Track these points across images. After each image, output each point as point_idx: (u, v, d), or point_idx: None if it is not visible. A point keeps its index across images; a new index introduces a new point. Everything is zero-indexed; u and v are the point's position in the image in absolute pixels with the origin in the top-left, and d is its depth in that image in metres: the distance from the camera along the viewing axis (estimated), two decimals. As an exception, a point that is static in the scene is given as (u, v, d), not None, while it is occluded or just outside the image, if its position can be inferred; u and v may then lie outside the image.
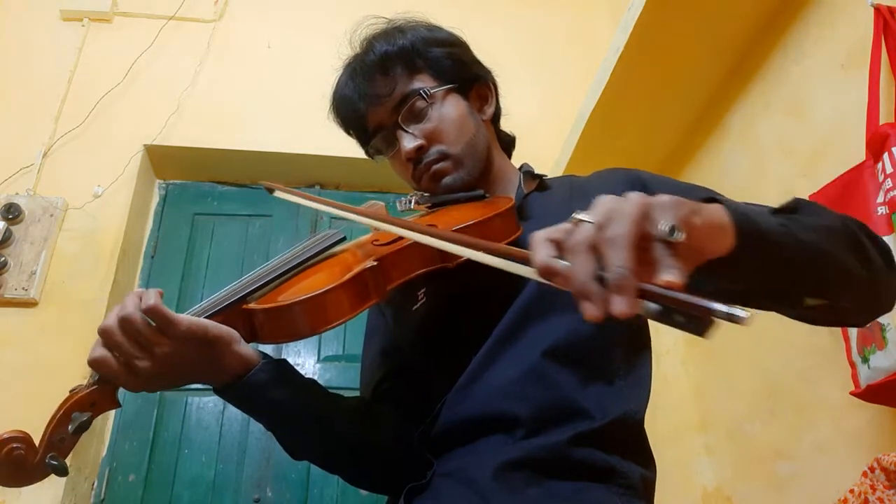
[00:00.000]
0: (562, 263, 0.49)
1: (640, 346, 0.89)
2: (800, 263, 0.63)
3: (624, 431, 0.80)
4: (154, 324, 0.68)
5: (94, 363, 0.69)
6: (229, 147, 2.48)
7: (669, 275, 0.45)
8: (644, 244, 0.47)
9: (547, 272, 0.49)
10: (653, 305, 0.46)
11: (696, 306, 0.45)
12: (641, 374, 0.87)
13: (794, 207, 0.71)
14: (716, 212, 0.57)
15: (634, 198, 0.49)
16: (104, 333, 0.69)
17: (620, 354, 0.84)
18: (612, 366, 0.83)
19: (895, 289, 0.73)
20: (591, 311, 0.47)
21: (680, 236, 0.47)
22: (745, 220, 0.59)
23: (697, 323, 0.46)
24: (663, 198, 0.50)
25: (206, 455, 2.15)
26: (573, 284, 0.48)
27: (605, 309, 0.46)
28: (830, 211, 0.73)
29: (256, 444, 2.17)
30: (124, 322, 0.68)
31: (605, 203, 0.49)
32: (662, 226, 0.47)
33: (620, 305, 0.45)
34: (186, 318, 0.70)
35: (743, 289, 0.65)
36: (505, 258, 0.59)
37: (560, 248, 0.50)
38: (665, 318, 0.47)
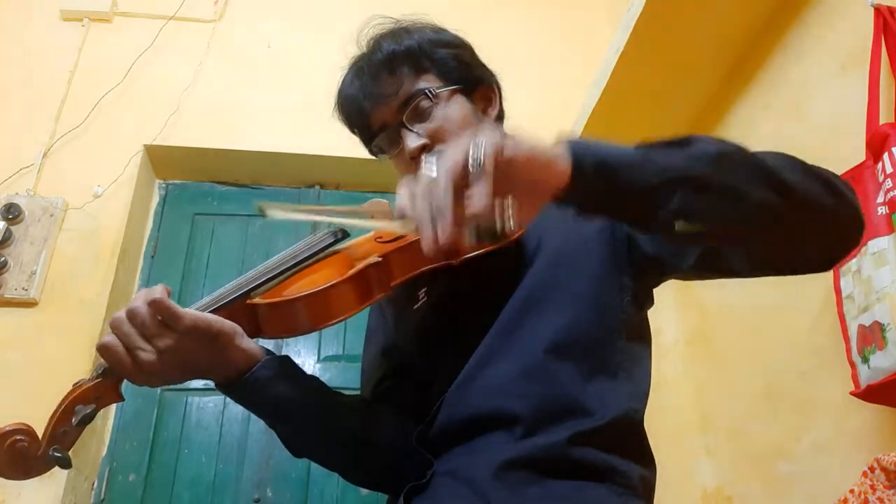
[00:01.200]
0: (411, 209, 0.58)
1: (640, 340, 0.89)
2: (652, 186, 0.62)
3: (624, 430, 0.80)
4: (159, 317, 0.71)
5: (101, 349, 0.72)
6: (229, 147, 2.48)
7: (474, 198, 0.53)
8: (465, 181, 0.55)
9: (401, 214, 0.58)
10: (471, 229, 0.56)
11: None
12: (643, 369, 0.87)
13: (687, 141, 0.67)
14: (549, 146, 0.61)
15: (460, 142, 0.56)
16: (113, 324, 0.72)
17: (622, 347, 0.84)
18: (614, 358, 0.83)
19: (846, 219, 0.69)
20: (425, 241, 0.55)
21: (481, 163, 0.54)
22: (585, 149, 0.61)
23: (489, 229, 0.55)
24: (481, 136, 0.56)
25: (206, 455, 2.15)
26: (416, 220, 0.56)
27: (436, 238, 0.54)
28: (736, 145, 0.68)
29: (256, 444, 2.16)
30: (131, 314, 0.71)
31: (441, 154, 0.57)
32: (471, 163, 0.55)
33: (443, 233, 0.54)
34: (191, 312, 0.72)
35: (601, 212, 0.68)
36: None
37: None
38: (478, 236, 0.56)
